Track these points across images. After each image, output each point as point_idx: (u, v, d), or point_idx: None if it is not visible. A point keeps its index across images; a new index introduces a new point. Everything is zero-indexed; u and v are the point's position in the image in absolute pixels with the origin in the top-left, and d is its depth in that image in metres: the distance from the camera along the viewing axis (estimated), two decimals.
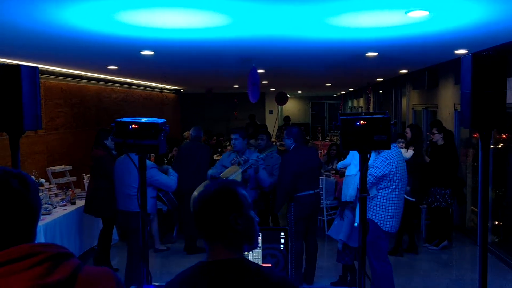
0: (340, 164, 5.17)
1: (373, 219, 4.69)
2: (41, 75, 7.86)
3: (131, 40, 5.32)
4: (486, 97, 2.46)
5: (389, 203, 4.64)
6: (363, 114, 2.87)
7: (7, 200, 1.19)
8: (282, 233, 3.10)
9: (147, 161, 4.92)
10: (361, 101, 19.37)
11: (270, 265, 3.04)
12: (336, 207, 8.27)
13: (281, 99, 16.62)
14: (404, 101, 12.32)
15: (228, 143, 14.10)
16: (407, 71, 10.60)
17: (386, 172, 4.58)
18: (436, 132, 6.86)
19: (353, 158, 4.92)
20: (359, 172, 4.59)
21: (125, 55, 6.68)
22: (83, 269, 1.20)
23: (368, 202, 4.61)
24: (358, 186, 4.45)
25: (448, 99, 8.56)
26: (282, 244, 3.08)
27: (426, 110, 10.19)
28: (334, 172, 8.70)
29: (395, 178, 4.60)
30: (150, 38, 5.26)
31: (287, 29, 4.84)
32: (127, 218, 5.18)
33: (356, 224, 4.77)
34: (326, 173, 8.66)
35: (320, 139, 17.10)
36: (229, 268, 1.59)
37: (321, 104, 26.38)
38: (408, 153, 6.51)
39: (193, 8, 3.95)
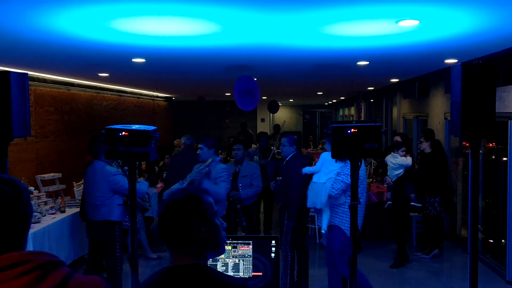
0: (306, 170, 5.09)
1: (340, 226, 4.67)
2: (31, 82, 7.84)
3: (123, 47, 5.30)
4: (475, 106, 2.47)
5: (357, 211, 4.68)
6: (354, 122, 2.88)
7: (0, 206, 1.18)
8: (274, 242, 3.08)
9: (110, 168, 4.94)
10: (352, 110, 19.46)
11: (260, 274, 3.03)
12: None
13: (273, 107, 16.67)
14: (395, 110, 12.40)
15: (220, 151, 14.10)
16: (398, 80, 10.67)
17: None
18: (423, 140, 6.94)
19: (322, 166, 4.93)
20: (329, 180, 4.70)
21: (117, 62, 6.66)
22: (73, 277, 1.19)
23: (335, 209, 4.69)
24: (331, 193, 4.56)
25: (438, 108, 8.62)
26: (273, 252, 3.07)
27: (416, 119, 10.25)
28: None
29: (362, 186, 4.58)
30: (141, 46, 5.25)
31: (278, 37, 4.85)
32: (95, 228, 5.05)
33: (323, 231, 4.85)
34: None
35: (312, 147, 17.16)
36: (188, 273, 1.59)
37: (312, 113, 26.47)
38: (408, 159, 6.56)
39: (184, 17, 3.94)
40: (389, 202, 6.70)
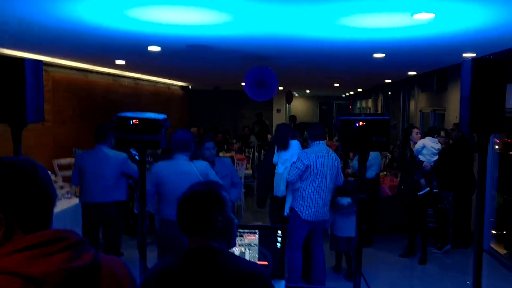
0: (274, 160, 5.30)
1: (295, 208, 5.00)
2: (49, 68, 7.96)
3: (139, 35, 5.35)
4: (485, 101, 2.45)
5: (308, 193, 4.93)
6: (363, 115, 2.87)
7: (24, 185, 1.22)
8: (279, 232, 3.12)
9: (121, 153, 5.06)
10: (370, 102, 19.31)
11: (266, 263, 3.07)
12: None
13: (287, 98, 16.67)
14: (412, 103, 12.27)
15: (235, 140, 14.14)
16: (415, 73, 10.55)
17: (307, 163, 4.88)
18: (443, 135, 6.93)
19: (279, 157, 5.20)
20: (286, 169, 5.01)
21: (133, 50, 6.72)
22: (100, 256, 1.27)
23: (294, 193, 5.03)
24: (288, 179, 4.94)
25: (456, 102, 8.51)
26: (279, 242, 3.10)
27: (434, 113, 10.14)
28: None
29: (314, 172, 4.90)
30: (156, 34, 5.29)
31: (294, 28, 4.84)
32: (103, 210, 5.05)
33: (285, 214, 5.10)
34: None
35: (328, 139, 17.09)
36: (205, 253, 1.73)
37: (329, 104, 26.34)
38: (438, 145, 6.51)
39: (199, 6, 3.97)
40: (427, 189, 6.35)
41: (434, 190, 6.58)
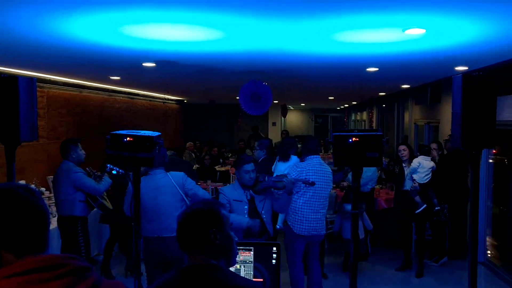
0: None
1: (288, 222, 5.08)
2: (44, 85, 7.97)
3: (133, 51, 5.38)
4: (476, 117, 2.48)
5: (299, 207, 4.98)
6: (356, 130, 2.89)
7: (19, 207, 1.22)
8: (275, 248, 3.11)
9: (74, 167, 5.18)
10: (364, 115, 19.39)
11: (261, 280, 3.05)
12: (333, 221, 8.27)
13: (282, 111, 16.74)
14: (406, 116, 12.34)
15: (230, 154, 14.14)
16: (409, 86, 10.62)
17: (294, 176, 4.82)
18: (436, 148, 6.97)
19: (276, 168, 5.76)
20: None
21: (128, 66, 6.75)
22: (102, 283, 1.27)
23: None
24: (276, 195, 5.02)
25: (450, 115, 8.54)
26: (274, 259, 3.09)
27: (428, 125, 10.20)
28: (334, 186, 8.70)
29: (304, 185, 4.84)
30: (151, 50, 5.32)
31: (287, 44, 4.88)
32: (60, 224, 5.30)
33: (278, 227, 5.50)
34: None
35: (323, 152, 17.09)
36: (204, 271, 1.75)
37: (324, 117, 26.42)
38: (432, 163, 6.55)
39: (193, 24, 4.00)
40: (424, 205, 6.43)
41: (436, 208, 6.57)
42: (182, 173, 4.47)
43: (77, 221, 5.25)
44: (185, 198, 4.36)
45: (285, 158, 5.83)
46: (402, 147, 6.72)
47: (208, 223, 1.82)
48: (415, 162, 6.39)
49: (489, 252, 7.14)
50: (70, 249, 5.24)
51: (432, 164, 6.52)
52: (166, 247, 4.27)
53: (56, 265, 1.16)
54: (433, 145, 7.21)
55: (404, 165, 6.56)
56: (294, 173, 4.91)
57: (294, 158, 5.83)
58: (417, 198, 6.43)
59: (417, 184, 6.40)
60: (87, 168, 5.51)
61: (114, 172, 4.63)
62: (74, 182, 5.15)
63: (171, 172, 4.43)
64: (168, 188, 4.29)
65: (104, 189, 5.44)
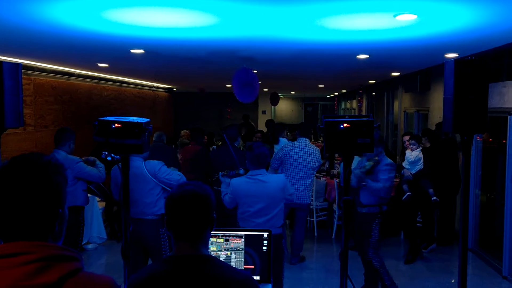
0: None
1: None
2: (31, 72, 7.84)
3: (120, 38, 5.29)
4: (468, 102, 2.47)
5: None
6: (347, 117, 2.86)
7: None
8: (266, 235, 3.09)
9: (73, 157, 5.07)
10: (354, 103, 19.39)
11: (252, 267, 3.04)
12: (325, 208, 8.29)
13: (273, 100, 16.66)
14: (396, 104, 12.36)
15: (220, 142, 14.07)
16: (399, 74, 10.62)
17: (280, 155, 6.12)
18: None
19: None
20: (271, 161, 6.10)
21: (115, 53, 6.64)
22: (77, 275, 1.16)
23: None
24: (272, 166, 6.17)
25: (439, 103, 8.58)
26: (265, 246, 3.08)
27: (417, 113, 10.22)
28: (324, 173, 8.71)
29: (286, 163, 6.05)
30: (139, 36, 5.23)
31: (275, 30, 4.83)
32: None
33: None
34: (317, 174, 8.65)
35: (313, 140, 17.11)
36: (198, 263, 1.69)
37: (314, 105, 26.41)
38: (420, 154, 6.56)
39: (181, 8, 3.92)
40: (408, 193, 6.49)
41: (433, 198, 6.51)
42: (157, 162, 4.50)
43: (79, 211, 5.24)
44: (160, 184, 4.41)
45: (276, 141, 7.64)
46: (406, 137, 6.95)
47: (212, 206, 1.76)
48: (415, 154, 6.55)
49: (477, 238, 7.20)
50: (70, 239, 5.17)
51: (420, 155, 6.56)
52: (139, 229, 4.40)
53: (21, 252, 1.11)
54: (405, 138, 7.14)
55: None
56: (281, 153, 6.14)
57: (282, 141, 7.61)
58: (405, 187, 6.57)
59: (409, 174, 6.51)
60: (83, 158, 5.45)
61: (109, 158, 4.55)
62: (78, 173, 5.03)
63: (148, 161, 4.48)
64: (140, 177, 4.36)
65: (104, 175, 5.38)
